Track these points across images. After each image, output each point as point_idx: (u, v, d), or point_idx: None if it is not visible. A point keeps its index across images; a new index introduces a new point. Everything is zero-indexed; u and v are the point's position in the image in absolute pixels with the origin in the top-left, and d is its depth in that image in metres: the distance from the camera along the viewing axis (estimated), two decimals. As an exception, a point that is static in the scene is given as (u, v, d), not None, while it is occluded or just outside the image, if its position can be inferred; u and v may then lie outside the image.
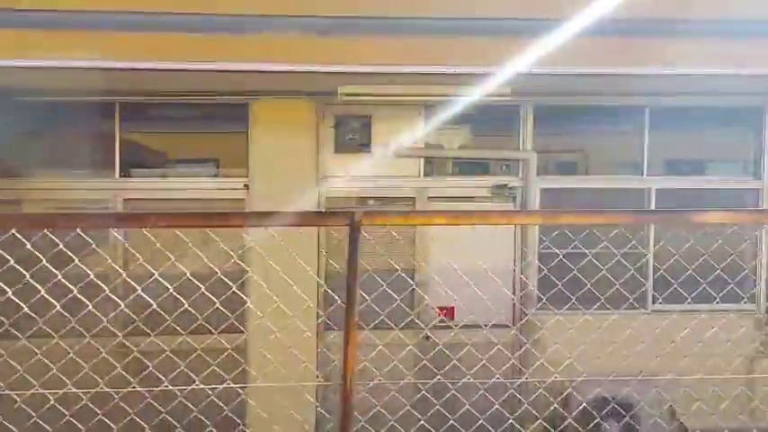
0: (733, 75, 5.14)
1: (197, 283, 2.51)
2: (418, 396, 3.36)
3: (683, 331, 4.88)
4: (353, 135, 5.39)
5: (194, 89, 5.08)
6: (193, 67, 4.73)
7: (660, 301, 5.66)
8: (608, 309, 5.06)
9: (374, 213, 1.74)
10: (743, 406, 5.50)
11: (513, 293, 5.59)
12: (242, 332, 4.96)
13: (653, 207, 5.56)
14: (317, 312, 5.33)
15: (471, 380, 3.45)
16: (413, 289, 5.36)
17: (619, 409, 4.42)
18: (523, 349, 5.42)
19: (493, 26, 4.85)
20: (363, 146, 5.44)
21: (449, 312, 5.53)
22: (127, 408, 2.78)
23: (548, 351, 5.40)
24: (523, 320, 5.51)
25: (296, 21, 4.77)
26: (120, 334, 3.80)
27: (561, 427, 5.34)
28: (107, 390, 2.94)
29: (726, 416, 4.92)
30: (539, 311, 5.52)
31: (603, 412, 4.81)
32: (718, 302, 5.49)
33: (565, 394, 5.47)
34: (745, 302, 5.74)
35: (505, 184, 5.48)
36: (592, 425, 5.31)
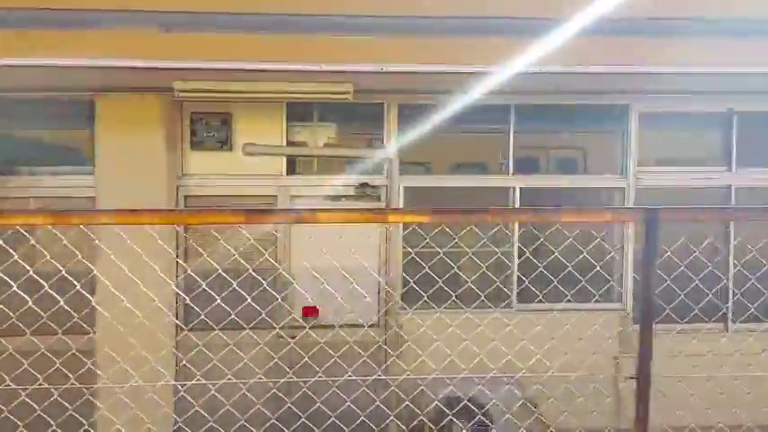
0: (600, 73, 5.14)
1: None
2: (295, 396, 3.29)
3: (548, 330, 4.89)
4: (211, 133, 5.31)
5: (39, 86, 4.97)
6: (34, 63, 4.63)
7: (539, 299, 5.65)
8: (473, 308, 5.07)
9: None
10: (608, 404, 5.53)
11: (379, 293, 5.56)
12: (92, 332, 4.88)
13: (517, 206, 5.55)
14: (172, 312, 5.27)
15: (320, 378, 3.40)
16: (276, 289, 5.30)
17: (500, 409, 4.41)
18: (400, 350, 5.39)
19: (351, 24, 4.79)
20: (223, 144, 5.36)
21: (313, 312, 5.48)
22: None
23: (410, 351, 5.39)
24: (400, 320, 5.48)
25: (139, 15, 4.68)
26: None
27: (434, 428, 5.32)
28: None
29: (591, 413, 4.92)
30: (402, 311, 5.49)
31: (480, 414, 4.78)
32: (589, 301, 5.54)
33: (438, 395, 5.45)
34: (618, 303, 5.76)
35: (367, 183, 5.44)
36: (453, 425, 5.31)
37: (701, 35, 5.10)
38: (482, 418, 5.00)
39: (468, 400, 4.96)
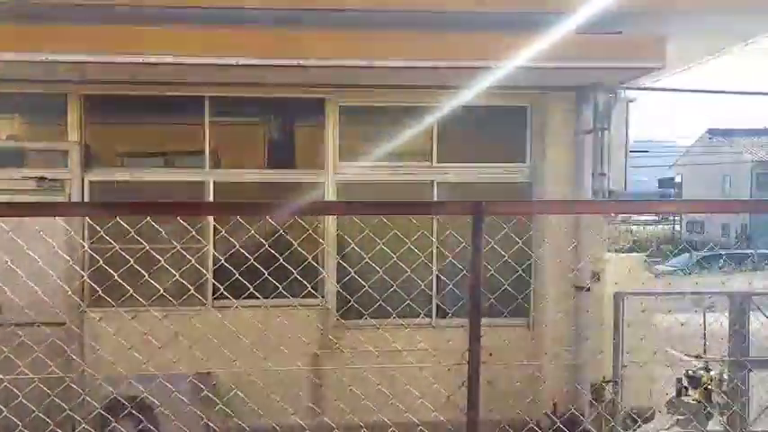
0: (294, 65, 5.05)
1: None
2: None
3: (247, 326, 4.76)
4: None
5: None
6: None
7: (251, 295, 5.54)
8: (166, 305, 4.90)
9: None
10: (310, 399, 5.45)
11: (65, 290, 5.35)
12: None
13: (211, 200, 5.44)
14: None
15: None
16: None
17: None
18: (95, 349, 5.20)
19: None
20: None
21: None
22: None
23: (96, 350, 5.20)
24: (88, 319, 5.28)
25: None
26: None
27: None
28: None
29: (286, 410, 4.79)
30: (94, 310, 5.30)
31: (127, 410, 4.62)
32: (289, 297, 5.45)
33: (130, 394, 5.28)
34: (320, 299, 5.69)
35: (44, 177, 5.23)
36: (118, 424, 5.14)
37: (402, 27, 5.08)
38: (141, 417, 4.86)
39: (138, 400, 4.83)
